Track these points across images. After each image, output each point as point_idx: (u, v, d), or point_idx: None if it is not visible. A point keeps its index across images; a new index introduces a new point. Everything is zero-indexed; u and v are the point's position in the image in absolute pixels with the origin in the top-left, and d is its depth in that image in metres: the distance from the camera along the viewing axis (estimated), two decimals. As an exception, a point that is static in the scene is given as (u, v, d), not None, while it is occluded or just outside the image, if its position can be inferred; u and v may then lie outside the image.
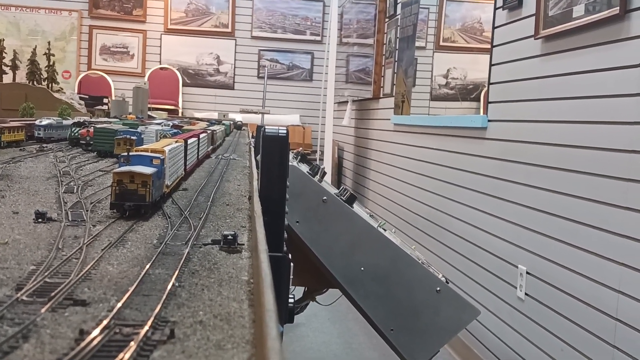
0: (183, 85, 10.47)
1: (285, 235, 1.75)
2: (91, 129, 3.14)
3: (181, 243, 1.29)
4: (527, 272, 3.63)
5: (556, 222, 3.36)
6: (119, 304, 0.89)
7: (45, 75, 7.28)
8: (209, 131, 3.32)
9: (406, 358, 3.04)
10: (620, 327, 2.80)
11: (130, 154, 1.61)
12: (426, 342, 3.04)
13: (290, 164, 2.63)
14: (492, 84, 4.32)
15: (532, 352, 3.54)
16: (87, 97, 7.67)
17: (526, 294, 3.63)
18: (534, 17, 3.67)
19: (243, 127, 6.46)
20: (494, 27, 4.33)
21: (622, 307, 2.79)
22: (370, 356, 4.49)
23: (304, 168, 3.43)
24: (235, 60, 10.62)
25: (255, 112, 8.42)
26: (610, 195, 2.92)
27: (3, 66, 7.27)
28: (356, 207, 3.37)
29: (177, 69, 10.47)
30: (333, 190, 3.40)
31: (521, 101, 3.86)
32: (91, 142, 3.04)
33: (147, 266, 1.09)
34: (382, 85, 7.40)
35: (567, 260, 3.25)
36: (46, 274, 1.02)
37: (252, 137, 4.67)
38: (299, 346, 4.60)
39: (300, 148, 5.77)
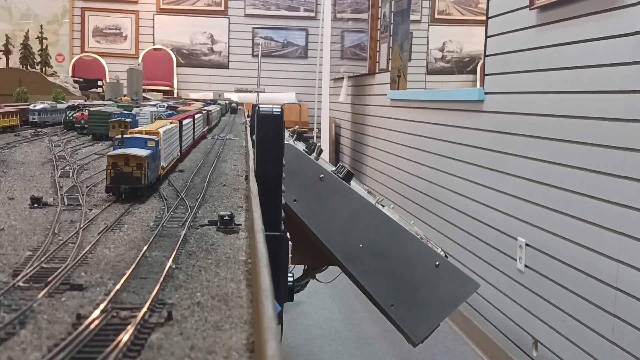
0: (177, 66, 10.42)
1: (283, 214, 1.75)
2: (86, 112, 3.12)
3: (178, 225, 1.28)
4: (527, 244, 3.64)
5: (554, 193, 3.36)
6: (116, 288, 0.89)
7: (38, 59, 7.23)
8: (204, 111, 3.31)
9: (407, 333, 3.05)
10: (620, 296, 2.81)
11: (125, 136, 1.60)
12: (426, 317, 3.05)
13: (286, 142, 2.62)
14: (488, 56, 4.29)
15: (533, 324, 3.56)
16: (81, 80, 7.62)
17: (526, 265, 3.65)
18: (528, -12, 3.64)
19: (239, 107, 6.40)
20: (488, -1, 4.30)
21: (622, 277, 2.80)
22: (371, 332, 4.52)
23: (300, 146, 3.42)
24: (229, 39, 10.55)
25: (251, 91, 8.39)
26: (608, 164, 2.92)
27: (-5, 51, 7.22)
28: (354, 184, 3.37)
29: (171, 50, 10.40)
30: (330, 168, 3.40)
31: (517, 73, 3.84)
32: (86, 126, 3.03)
33: (144, 249, 1.09)
34: (377, 60, 7.36)
35: (566, 231, 3.26)
36: (43, 259, 1.02)
37: (248, 116, 4.65)
38: (301, 323, 4.63)
39: (297, 126, 5.75)
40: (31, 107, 3.43)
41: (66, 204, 1.45)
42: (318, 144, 3.50)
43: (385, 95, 6.69)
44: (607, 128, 2.93)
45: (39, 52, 7.30)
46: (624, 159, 2.80)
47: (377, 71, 7.36)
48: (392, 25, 6.65)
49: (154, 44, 10.43)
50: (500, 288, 3.97)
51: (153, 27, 10.45)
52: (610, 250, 2.88)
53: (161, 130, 1.73)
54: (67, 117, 3.33)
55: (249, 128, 3.45)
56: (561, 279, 3.29)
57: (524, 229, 3.68)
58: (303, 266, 3.86)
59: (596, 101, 3.03)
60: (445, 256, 3.21)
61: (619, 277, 2.82)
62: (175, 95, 9.70)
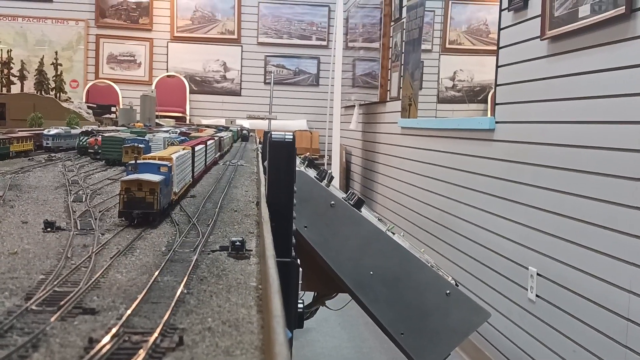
0: (190, 93, 10.50)
1: (294, 240, 1.75)
2: (99, 138, 3.15)
3: (189, 250, 1.29)
4: (538, 274, 3.62)
5: (566, 223, 3.35)
6: (128, 312, 0.89)
7: (53, 85, 7.31)
8: (216, 138, 3.33)
9: (417, 362, 3.03)
10: (632, 327, 2.78)
11: (138, 162, 1.61)
12: (437, 345, 3.03)
13: (297, 169, 2.63)
14: (499, 85, 4.31)
15: (544, 354, 3.52)
16: (95, 106, 7.70)
17: (537, 295, 3.62)
18: (539, 18, 3.66)
19: (251, 134, 6.42)
20: (499, 29, 4.33)
21: (634, 308, 2.78)
22: (381, 360, 4.48)
23: (312, 173, 3.44)
24: (241, 66, 10.64)
25: (262, 118, 8.43)
26: (620, 195, 2.91)
27: (11, 77, 7.31)
28: (364, 211, 3.37)
29: (184, 77, 10.50)
30: (341, 195, 3.40)
31: (528, 102, 3.85)
32: (99, 151, 3.05)
33: (156, 274, 1.09)
34: (388, 88, 7.40)
35: (577, 261, 3.24)
36: (55, 283, 1.02)
37: (260, 143, 4.67)
38: (310, 351, 4.60)
39: (308, 153, 5.76)
40: (45, 132, 3.46)
41: (79, 228, 1.46)
42: (329, 171, 3.51)
43: (396, 123, 6.71)
44: (620, 158, 2.92)
45: (54, 78, 7.38)
46: (636, 190, 2.79)
47: (388, 99, 7.39)
48: (403, 54, 6.70)
49: (167, 71, 10.53)
50: (511, 318, 3.94)
51: (167, 54, 10.56)
52: (622, 280, 2.86)
53: (174, 156, 1.74)
54: (81, 143, 3.35)
55: (260, 154, 3.47)
56: (572, 309, 3.26)
57: (535, 258, 3.66)
58: (313, 293, 3.85)
59: (608, 131, 3.03)
60: (456, 285, 3.20)
61: (630, 308, 2.80)
62: (187, 122, 9.77)
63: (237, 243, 1.26)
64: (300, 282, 1.73)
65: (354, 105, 8.64)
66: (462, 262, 4.79)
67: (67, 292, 0.97)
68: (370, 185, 8.13)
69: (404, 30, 6.68)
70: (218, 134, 3.91)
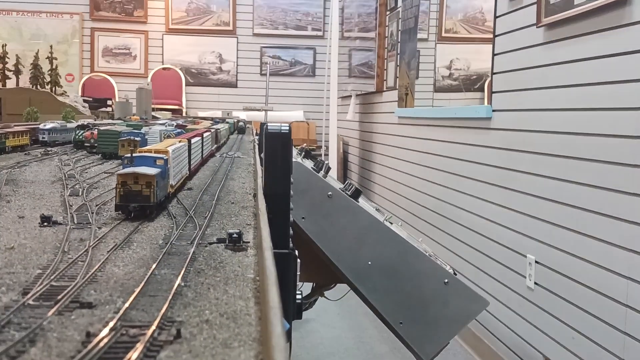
0: (186, 85, 10.48)
1: (291, 231, 1.75)
2: (95, 131, 3.14)
3: (187, 243, 1.29)
4: (536, 262, 3.62)
5: (563, 211, 3.35)
6: (126, 306, 0.89)
7: (48, 79, 7.28)
8: (212, 130, 3.32)
9: (416, 350, 3.03)
10: (630, 313, 2.79)
11: (134, 155, 1.61)
12: (436, 334, 3.04)
13: (294, 160, 2.63)
14: (495, 73, 4.30)
15: (543, 341, 3.53)
16: (90, 99, 7.68)
17: (535, 283, 3.63)
18: (535, 5, 3.65)
19: (248, 126, 6.39)
20: (495, 17, 4.32)
21: (632, 294, 2.78)
22: (380, 350, 4.50)
23: (308, 164, 3.43)
24: (237, 58, 10.62)
25: (259, 110, 8.42)
26: (617, 181, 2.91)
27: (6, 71, 7.29)
28: (362, 202, 3.37)
29: (179, 69, 10.47)
30: (338, 185, 3.40)
31: (525, 90, 3.85)
32: (95, 145, 3.05)
33: (153, 267, 1.09)
34: (385, 78, 7.39)
35: (575, 248, 3.24)
36: (52, 277, 1.02)
37: (257, 134, 4.66)
38: (310, 342, 4.61)
39: (305, 144, 5.75)
40: (41, 126, 3.45)
41: (76, 222, 1.45)
42: (326, 162, 3.50)
43: (393, 113, 6.71)
44: (617, 145, 2.92)
45: (49, 72, 7.35)
46: (634, 176, 2.79)
47: (384, 89, 7.38)
48: (399, 44, 6.68)
49: (163, 64, 10.50)
50: (510, 305, 3.95)
51: (162, 46, 10.53)
52: (620, 267, 2.87)
53: (170, 149, 1.74)
54: (77, 136, 3.35)
55: (257, 146, 3.46)
56: (571, 296, 3.27)
57: (533, 246, 3.66)
58: (311, 284, 3.85)
59: (605, 118, 3.03)
60: (454, 274, 3.20)
61: (629, 294, 2.80)
62: (184, 114, 9.75)
63: (235, 235, 1.26)
64: (298, 273, 1.73)
65: (351, 96, 8.63)
66: (460, 251, 4.79)
67: (64, 286, 0.97)
68: (368, 176, 8.13)
69: (400, 20, 6.66)
70: (214, 126, 3.90)
